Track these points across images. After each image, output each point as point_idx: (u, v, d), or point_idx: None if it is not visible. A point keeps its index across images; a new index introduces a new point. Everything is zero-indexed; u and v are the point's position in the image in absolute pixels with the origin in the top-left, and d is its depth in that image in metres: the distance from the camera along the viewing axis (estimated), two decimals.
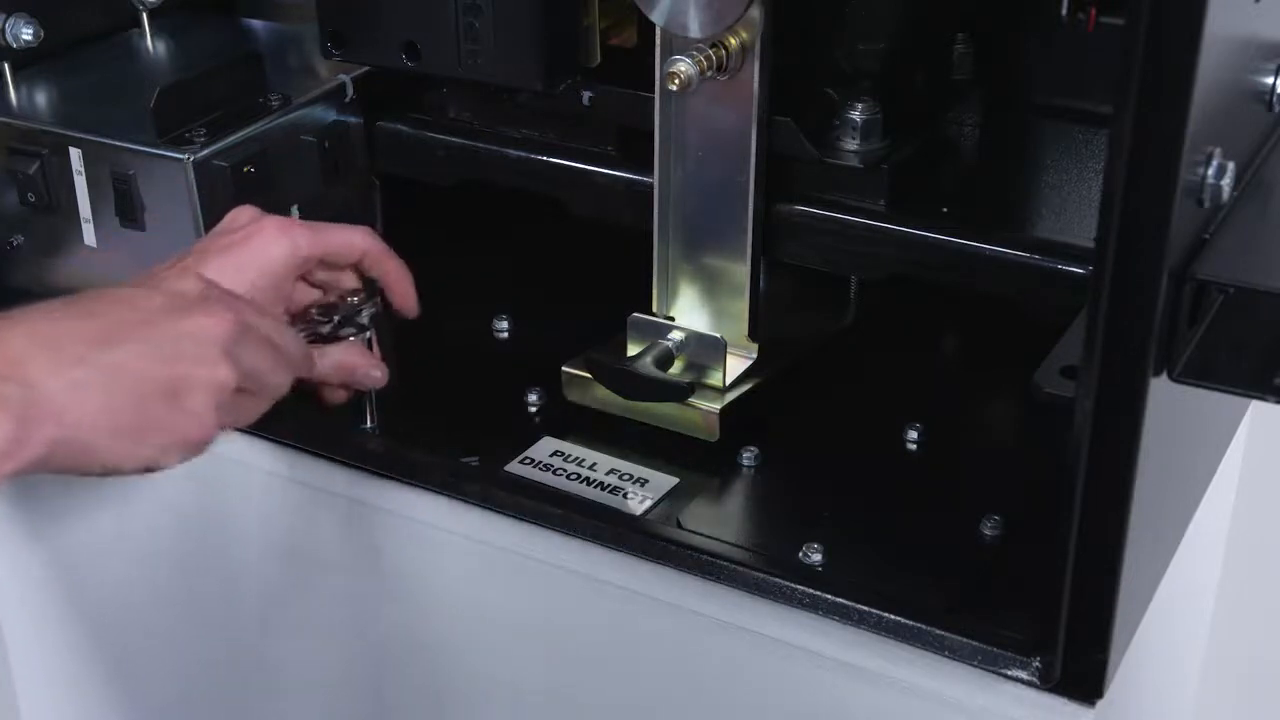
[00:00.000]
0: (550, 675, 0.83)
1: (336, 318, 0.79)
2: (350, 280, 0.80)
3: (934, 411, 0.85)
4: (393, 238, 0.82)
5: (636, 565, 0.77)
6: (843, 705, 0.74)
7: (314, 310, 0.79)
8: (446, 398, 0.89)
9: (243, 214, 0.78)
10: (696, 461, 0.81)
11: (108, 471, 0.66)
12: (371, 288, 0.81)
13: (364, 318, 0.80)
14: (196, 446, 0.68)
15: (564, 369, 0.84)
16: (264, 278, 0.75)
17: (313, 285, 0.80)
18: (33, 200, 0.89)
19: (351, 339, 0.79)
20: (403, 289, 0.81)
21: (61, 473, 0.64)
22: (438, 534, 0.82)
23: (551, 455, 0.82)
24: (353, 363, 0.79)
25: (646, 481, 0.80)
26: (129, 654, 1.00)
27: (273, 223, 0.77)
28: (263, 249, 0.76)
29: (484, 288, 0.99)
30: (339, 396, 0.81)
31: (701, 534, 0.76)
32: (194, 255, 0.75)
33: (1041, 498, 0.69)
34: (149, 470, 0.67)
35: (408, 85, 0.92)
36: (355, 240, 0.79)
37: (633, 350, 0.84)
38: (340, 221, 0.82)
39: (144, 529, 0.92)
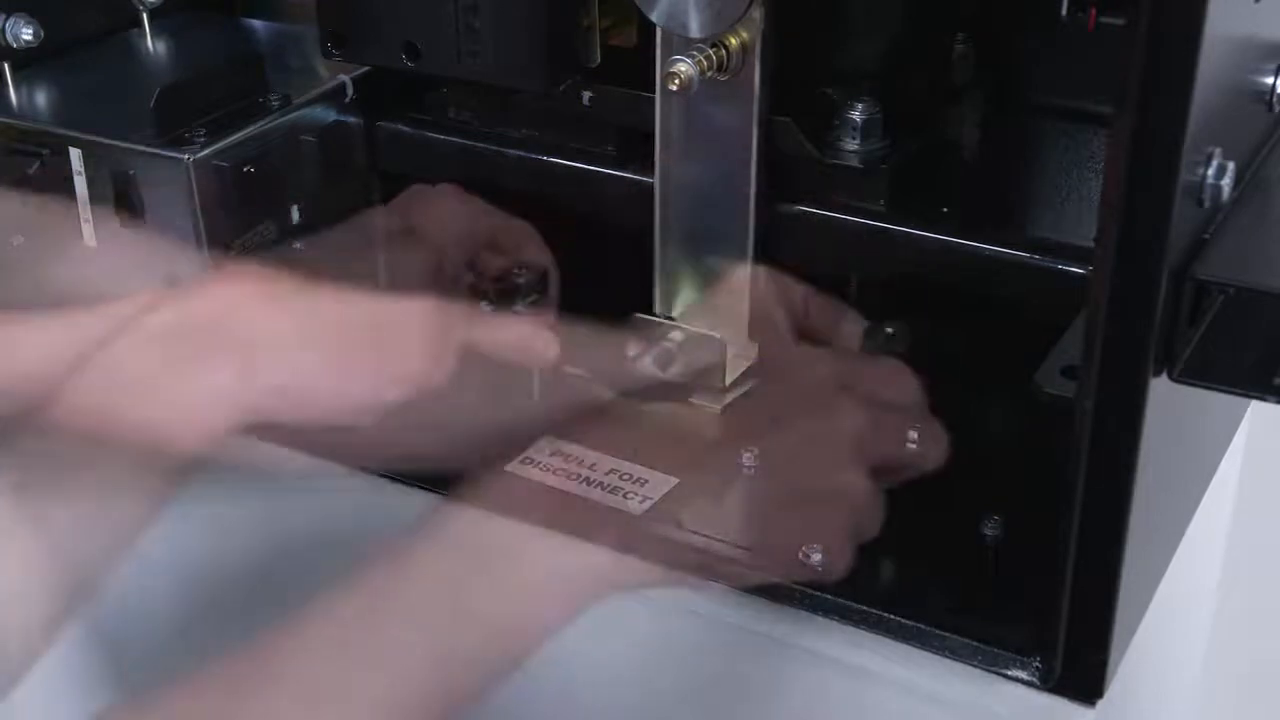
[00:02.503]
0: (549, 675, 0.83)
1: (522, 280, 0.83)
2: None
3: (934, 411, 0.85)
4: None
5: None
6: (843, 705, 0.74)
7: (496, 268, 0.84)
8: None
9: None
10: (696, 461, 0.81)
11: (328, 418, 0.67)
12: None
13: (549, 285, 0.84)
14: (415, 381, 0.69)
15: (564, 369, 0.84)
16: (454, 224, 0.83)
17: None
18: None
19: (533, 303, 0.83)
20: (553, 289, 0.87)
21: (282, 424, 0.64)
22: None
23: (551, 455, 0.82)
24: (529, 342, 0.79)
25: (646, 481, 0.80)
26: (128, 654, 1.00)
27: (450, 189, 0.85)
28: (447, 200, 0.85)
29: None
30: None
31: (701, 534, 0.76)
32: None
33: (1041, 498, 0.69)
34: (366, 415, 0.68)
35: (408, 85, 0.92)
36: (526, 224, 0.86)
37: (633, 350, 0.84)
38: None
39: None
